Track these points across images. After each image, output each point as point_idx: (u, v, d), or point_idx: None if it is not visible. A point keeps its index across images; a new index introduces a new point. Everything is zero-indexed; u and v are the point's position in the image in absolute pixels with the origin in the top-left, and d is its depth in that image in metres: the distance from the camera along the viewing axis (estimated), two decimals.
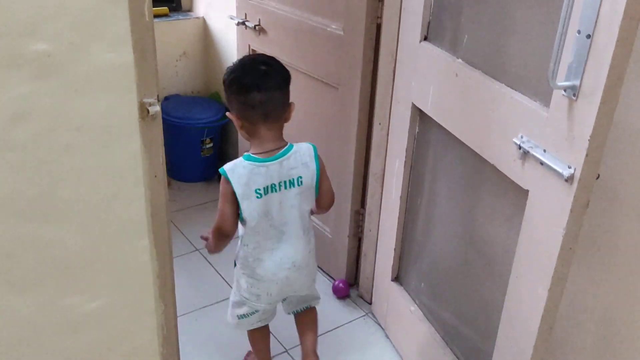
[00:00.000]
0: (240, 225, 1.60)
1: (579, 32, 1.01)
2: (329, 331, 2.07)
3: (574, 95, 1.04)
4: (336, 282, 2.24)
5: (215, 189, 1.62)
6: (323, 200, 1.64)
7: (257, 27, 2.28)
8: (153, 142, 1.16)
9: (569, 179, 1.07)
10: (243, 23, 2.34)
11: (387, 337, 2.04)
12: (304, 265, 1.63)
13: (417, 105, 1.65)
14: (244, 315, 1.71)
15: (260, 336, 1.80)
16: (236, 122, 1.54)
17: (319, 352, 1.80)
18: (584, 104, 1.02)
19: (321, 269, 2.37)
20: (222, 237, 1.59)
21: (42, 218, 1.07)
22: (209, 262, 2.38)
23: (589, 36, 0.98)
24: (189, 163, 2.90)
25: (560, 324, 1.36)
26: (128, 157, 1.11)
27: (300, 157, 1.56)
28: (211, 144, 2.86)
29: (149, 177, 1.16)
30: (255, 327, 1.75)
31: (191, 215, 2.69)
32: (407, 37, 1.67)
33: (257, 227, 1.56)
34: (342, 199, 2.15)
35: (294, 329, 1.85)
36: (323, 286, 2.28)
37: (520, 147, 1.19)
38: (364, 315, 2.15)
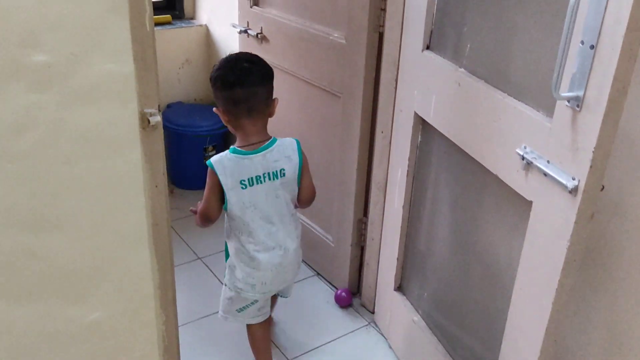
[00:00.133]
0: (226, 215, 1.68)
1: (582, 42, 1.00)
2: (331, 341, 2.06)
3: (578, 106, 1.03)
4: (338, 291, 2.23)
5: None
6: (303, 194, 1.72)
7: (259, 35, 2.28)
8: (154, 152, 1.15)
9: (573, 191, 1.06)
10: (245, 31, 2.34)
11: (390, 348, 2.03)
12: (293, 251, 1.71)
13: (419, 114, 1.64)
14: (242, 308, 1.76)
15: (261, 337, 1.83)
16: (222, 117, 1.63)
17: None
18: (587, 115, 1.01)
19: (323, 278, 2.36)
20: (206, 221, 1.69)
21: (42, 229, 1.07)
22: (211, 271, 2.38)
23: (592, 47, 0.98)
24: (192, 170, 2.90)
25: (564, 334, 1.35)
26: (129, 168, 1.10)
27: (284, 150, 1.64)
28: (214, 152, 2.86)
29: (150, 187, 1.16)
30: (255, 321, 1.79)
31: (193, 223, 2.66)
32: (409, 46, 1.66)
33: (246, 218, 1.63)
34: (344, 207, 2.14)
35: (297, 340, 1.90)
36: (325, 295, 2.27)
37: (523, 158, 1.18)
38: (366, 325, 2.14)
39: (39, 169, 1.02)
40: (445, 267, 1.68)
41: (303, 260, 2.43)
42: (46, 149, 1.01)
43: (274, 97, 1.66)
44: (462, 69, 1.43)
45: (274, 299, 1.93)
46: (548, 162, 1.13)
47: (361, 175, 2.05)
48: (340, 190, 2.14)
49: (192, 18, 3.02)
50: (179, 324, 1.37)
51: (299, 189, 1.70)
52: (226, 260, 1.78)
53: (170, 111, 2.87)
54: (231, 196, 1.60)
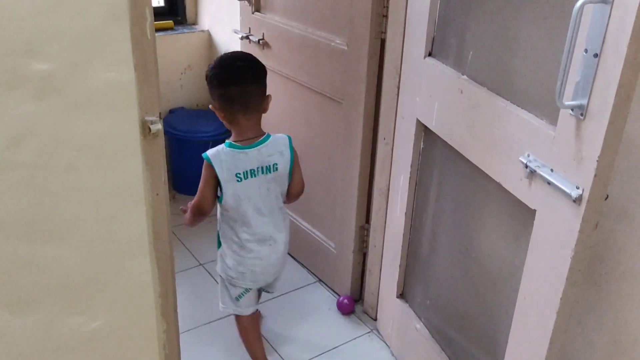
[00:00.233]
0: (220, 207, 1.74)
1: (585, 50, 0.99)
2: (334, 348, 2.05)
3: (582, 114, 1.02)
4: (341, 298, 2.22)
5: None
6: (294, 188, 1.79)
7: (261, 42, 2.28)
8: (155, 160, 1.15)
9: (577, 200, 1.05)
10: (247, 37, 2.34)
11: (393, 355, 2.01)
12: (282, 242, 1.79)
13: (421, 121, 1.64)
14: (239, 295, 1.82)
15: (252, 328, 1.90)
16: (218, 113, 1.70)
17: None
18: (591, 124, 1.00)
19: (325, 285, 2.35)
20: (199, 215, 1.74)
21: (43, 238, 1.06)
22: (213, 277, 2.37)
23: (596, 55, 0.97)
24: (194, 176, 2.87)
25: (569, 343, 1.34)
26: (129, 176, 1.10)
27: (277, 146, 1.72)
28: None
29: (151, 195, 1.15)
30: (247, 312, 1.85)
31: (195, 229, 2.65)
32: (411, 53, 1.66)
33: (240, 209, 1.70)
34: (346, 214, 2.13)
35: (299, 347, 1.92)
36: (327, 302, 2.26)
37: (526, 166, 1.17)
38: (369, 332, 2.13)
39: (39, 178, 1.01)
40: (448, 274, 1.67)
41: (305, 267, 2.45)
42: (46, 158, 1.01)
43: (267, 94, 1.72)
44: (465, 76, 1.42)
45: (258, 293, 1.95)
46: (552, 170, 1.12)
47: (363, 181, 2.04)
48: (343, 197, 2.13)
49: (194, 24, 3.03)
50: (180, 331, 1.36)
51: (290, 183, 1.77)
52: (218, 249, 1.83)
53: (172, 117, 2.87)
54: (227, 189, 1.67)
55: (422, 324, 1.81)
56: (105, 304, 1.16)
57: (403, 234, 1.83)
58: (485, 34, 1.37)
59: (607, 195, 1.07)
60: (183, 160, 2.84)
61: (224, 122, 1.71)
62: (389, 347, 2.04)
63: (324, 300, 2.27)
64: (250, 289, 1.82)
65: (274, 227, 1.76)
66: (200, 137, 2.77)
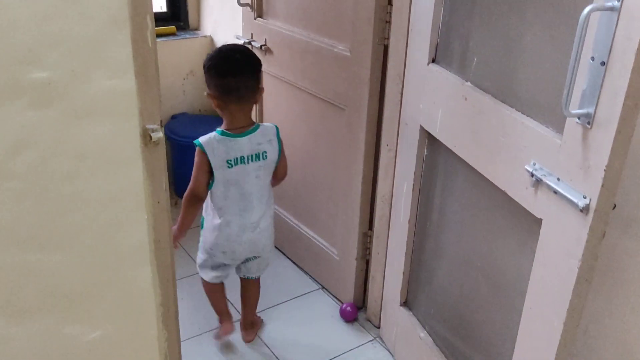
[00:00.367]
0: (209, 192, 1.83)
1: (592, 58, 0.98)
2: (337, 356, 2.03)
3: (589, 123, 1.00)
4: (344, 306, 2.20)
5: None
6: (279, 173, 1.91)
7: (263, 47, 2.27)
8: (156, 168, 1.14)
9: (584, 210, 1.03)
10: (249, 43, 2.33)
11: None
12: (265, 228, 1.88)
13: (425, 127, 1.62)
14: (216, 266, 1.94)
15: (218, 289, 2.03)
16: (213, 101, 1.78)
17: None
18: (599, 133, 0.99)
19: (328, 292, 2.34)
20: (196, 201, 1.81)
21: (42, 246, 1.05)
22: None
23: (603, 63, 0.95)
24: None
25: (575, 352, 1.32)
26: (130, 184, 1.09)
27: (266, 135, 1.81)
28: None
29: (152, 203, 1.15)
30: (217, 281, 1.98)
31: (197, 235, 2.64)
32: (414, 59, 1.65)
33: (227, 194, 1.80)
34: (349, 220, 2.12)
35: (301, 355, 1.99)
36: (330, 309, 2.24)
37: (532, 175, 1.15)
38: (372, 340, 2.11)
39: (39, 187, 1.01)
40: (452, 283, 1.66)
41: (307, 274, 2.43)
42: (46, 167, 1.00)
43: (261, 86, 1.83)
44: (469, 83, 1.41)
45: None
46: (558, 179, 1.10)
47: (366, 188, 2.03)
48: (345, 203, 2.12)
49: (197, 29, 3.02)
50: (181, 339, 1.35)
51: (276, 168, 1.88)
52: (202, 229, 1.93)
53: (174, 122, 2.86)
54: (218, 174, 1.76)
55: (426, 332, 1.79)
56: (105, 313, 1.15)
57: (406, 242, 1.81)
58: (490, 40, 1.36)
59: (615, 205, 1.05)
60: (185, 166, 2.82)
61: (217, 110, 1.79)
62: (392, 355, 2.03)
63: (326, 308, 2.26)
64: (228, 265, 1.94)
65: (260, 214, 1.85)
66: None
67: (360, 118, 1.93)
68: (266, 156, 1.81)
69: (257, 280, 2.05)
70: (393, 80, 1.79)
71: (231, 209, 1.81)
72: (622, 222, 1.17)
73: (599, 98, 0.98)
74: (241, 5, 2.34)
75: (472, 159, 1.41)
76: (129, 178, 1.08)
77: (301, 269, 2.46)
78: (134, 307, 1.18)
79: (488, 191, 1.39)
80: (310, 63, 2.07)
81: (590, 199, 1.02)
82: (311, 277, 2.41)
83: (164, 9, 2.98)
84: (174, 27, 2.91)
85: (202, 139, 1.75)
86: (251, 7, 2.32)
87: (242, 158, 1.77)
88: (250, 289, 2.05)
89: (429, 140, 1.66)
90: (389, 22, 1.77)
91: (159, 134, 1.10)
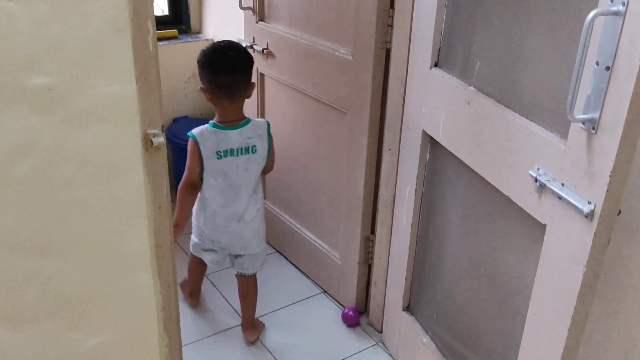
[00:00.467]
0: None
1: (597, 63, 0.97)
2: None
3: (593, 128, 0.99)
4: (346, 310, 2.19)
5: None
6: (268, 166, 1.98)
7: (265, 51, 2.27)
8: (157, 173, 1.13)
9: (589, 215, 1.02)
10: (251, 47, 2.32)
11: None
12: (250, 220, 1.93)
13: (427, 132, 1.62)
14: (207, 249, 2.01)
15: (199, 264, 2.12)
16: (205, 95, 1.87)
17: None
18: (604, 138, 0.98)
19: (330, 296, 2.33)
20: (192, 191, 1.89)
21: (43, 253, 1.05)
22: (217, 288, 2.34)
23: (608, 68, 0.95)
24: None
25: (579, 358, 1.31)
26: (131, 190, 1.09)
27: (256, 129, 1.89)
28: None
29: (153, 208, 1.14)
30: (211, 264, 2.07)
31: None
32: (417, 63, 1.64)
33: (216, 184, 1.87)
34: (351, 224, 2.11)
35: (300, 358, 2.02)
36: (332, 313, 2.23)
37: (536, 180, 1.14)
38: (374, 345, 2.10)
39: (39, 193, 1.00)
40: (455, 288, 1.64)
41: (309, 278, 2.42)
42: (47, 172, 0.99)
43: (252, 82, 1.90)
44: (472, 87, 1.40)
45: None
46: (562, 185, 1.09)
47: (368, 192, 2.02)
48: (347, 207, 2.11)
49: (199, 32, 3.02)
50: (182, 344, 1.34)
51: (266, 162, 1.95)
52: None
53: (176, 126, 2.86)
54: (207, 164, 1.84)
55: (428, 337, 1.78)
56: (106, 319, 1.15)
57: (409, 246, 1.80)
58: (493, 44, 1.35)
59: (620, 211, 1.04)
60: None
61: (210, 102, 1.89)
62: None
63: (328, 312, 2.25)
64: (215, 250, 1.99)
65: (247, 206, 1.91)
66: None
67: (362, 122, 1.92)
68: (255, 150, 1.88)
69: (253, 277, 2.06)
70: (395, 84, 1.78)
71: (218, 200, 1.89)
72: (627, 228, 1.16)
73: (603, 103, 0.97)
74: (243, 8, 2.33)
75: (475, 163, 1.40)
76: (130, 183, 1.08)
77: (303, 273, 2.45)
78: (135, 312, 1.18)
79: (491, 196, 1.38)
80: (312, 67, 2.07)
81: (595, 205, 1.01)
82: (313, 281, 2.40)
83: (166, 12, 2.97)
84: (175, 30, 2.91)
85: (194, 130, 1.86)
86: (253, 10, 2.31)
87: (231, 150, 1.85)
88: (246, 286, 2.07)
89: (432, 145, 1.65)
90: (391, 25, 1.76)
91: (160, 139, 1.09)
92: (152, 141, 1.08)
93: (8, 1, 0.87)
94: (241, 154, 1.86)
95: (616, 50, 0.93)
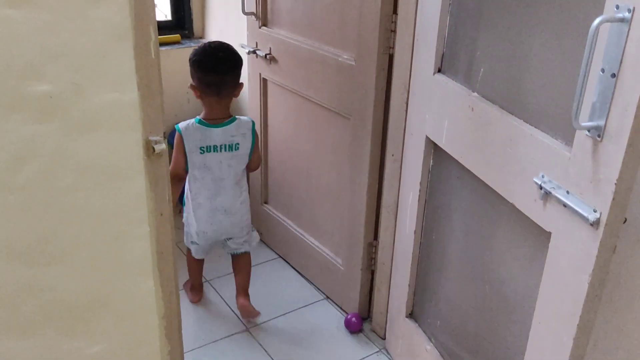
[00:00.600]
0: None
1: (602, 70, 0.96)
2: None
3: (599, 136, 0.98)
4: (349, 316, 2.18)
5: None
6: (252, 164, 2.08)
7: (267, 56, 2.26)
8: (159, 180, 1.13)
9: (595, 224, 1.01)
10: (254, 52, 2.32)
11: None
12: (234, 213, 2.05)
13: (431, 138, 1.61)
14: (192, 242, 2.11)
15: (195, 265, 2.24)
16: (195, 92, 1.97)
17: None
18: (609, 146, 0.97)
19: (333, 302, 2.31)
20: (177, 181, 1.98)
21: (44, 261, 1.04)
22: (219, 293, 2.34)
23: (614, 75, 0.94)
24: None
25: None
26: (133, 197, 1.08)
27: (240, 128, 1.99)
28: None
29: (155, 215, 1.13)
30: (196, 257, 2.17)
31: None
32: (420, 69, 1.63)
33: (199, 178, 1.98)
34: (354, 230, 2.10)
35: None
36: (335, 320, 2.22)
37: (541, 187, 1.13)
38: (377, 352, 2.08)
39: (40, 200, 1.00)
40: (459, 295, 1.63)
41: (312, 284, 2.41)
42: (48, 180, 0.99)
43: (240, 82, 1.99)
44: (475, 94, 1.39)
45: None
46: (567, 192, 1.08)
47: (371, 198, 2.01)
48: (350, 213, 2.10)
49: (201, 37, 3.02)
50: (184, 351, 1.34)
51: (250, 160, 2.04)
52: (183, 206, 2.14)
53: None
54: (191, 158, 1.96)
55: (432, 345, 1.77)
56: (107, 327, 1.14)
57: (412, 252, 1.79)
58: (497, 50, 1.34)
59: (626, 219, 1.03)
60: None
61: (199, 99, 1.98)
62: None
63: (331, 318, 2.24)
64: (197, 243, 2.09)
65: (230, 199, 2.02)
66: None
67: (365, 128, 1.92)
68: (238, 147, 1.98)
69: (246, 255, 2.19)
70: (398, 90, 1.77)
71: (203, 193, 2.00)
72: (633, 236, 1.15)
73: (609, 110, 0.96)
74: (246, 14, 2.33)
75: (479, 170, 1.39)
76: (131, 190, 1.07)
77: (306, 278, 2.44)
78: (136, 320, 1.17)
79: (495, 203, 1.37)
80: (315, 72, 2.06)
81: (600, 213, 1.00)
82: (316, 287, 2.39)
83: (169, 17, 2.97)
84: (178, 35, 2.91)
85: (181, 124, 1.97)
86: (256, 15, 2.31)
87: (214, 147, 1.96)
88: (238, 261, 2.20)
89: (435, 151, 1.64)
90: (394, 31, 1.76)
91: (162, 146, 1.09)
92: (153, 148, 1.07)
93: (9, 8, 0.86)
94: (225, 150, 1.97)
95: (622, 57, 0.92)
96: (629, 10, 0.90)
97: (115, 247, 1.10)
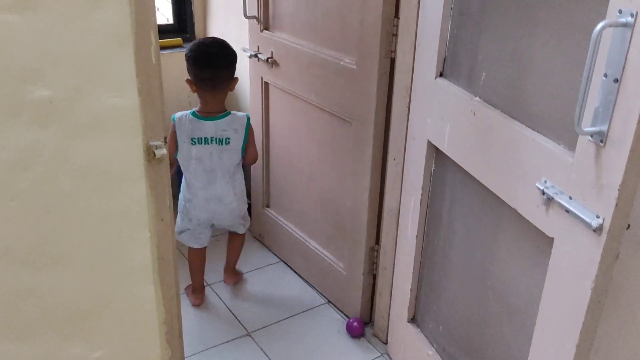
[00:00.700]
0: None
1: (605, 75, 0.95)
2: None
3: (602, 141, 0.98)
4: (350, 320, 2.17)
5: None
6: (248, 158, 2.14)
7: (269, 60, 2.26)
8: (160, 185, 1.13)
9: (598, 230, 1.00)
10: (256, 55, 2.32)
11: None
12: (228, 203, 2.13)
13: (433, 142, 1.60)
14: (180, 232, 2.18)
15: (196, 258, 2.25)
16: (191, 87, 2.06)
17: None
18: (612, 151, 0.96)
19: (334, 306, 2.31)
20: None
21: (44, 266, 1.04)
22: (220, 297, 2.33)
23: (616, 80, 0.93)
24: None
25: None
26: (133, 202, 1.08)
27: (233, 124, 2.06)
28: None
29: (155, 221, 1.13)
30: (192, 245, 2.21)
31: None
32: (422, 73, 1.62)
33: (191, 168, 2.07)
34: (356, 234, 2.09)
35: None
36: (337, 324, 2.21)
37: (544, 193, 1.13)
38: (379, 356, 2.07)
39: (40, 205, 0.99)
40: (461, 300, 1.62)
41: (314, 288, 2.41)
42: (48, 185, 0.99)
43: (235, 76, 2.07)
44: (478, 98, 1.39)
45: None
46: (570, 198, 1.07)
47: (373, 202, 2.00)
48: (352, 217, 2.09)
49: None
50: (185, 356, 1.33)
51: (245, 155, 2.11)
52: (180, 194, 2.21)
53: None
54: (181, 147, 2.05)
55: (434, 350, 1.76)
56: (107, 333, 1.14)
57: (414, 257, 1.78)
58: (499, 54, 1.33)
59: (629, 225, 1.02)
60: None
61: (195, 93, 2.07)
62: None
63: (333, 323, 2.23)
64: (189, 229, 2.16)
65: (222, 189, 2.09)
66: None
67: (367, 131, 1.91)
68: (229, 142, 2.05)
69: (242, 235, 2.31)
70: (400, 94, 1.77)
71: (197, 182, 2.08)
72: (636, 242, 1.14)
73: (612, 116, 0.95)
74: (248, 17, 2.33)
75: (481, 175, 1.39)
76: (132, 196, 1.07)
77: (308, 282, 2.44)
78: (137, 325, 1.17)
79: (498, 208, 1.36)
80: (317, 76, 2.06)
81: (603, 219, 1.00)
82: (318, 291, 2.39)
83: (171, 21, 2.98)
84: (180, 39, 2.90)
85: (177, 114, 2.06)
86: (258, 19, 2.31)
87: (205, 139, 2.03)
88: (233, 238, 2.34)
89: (437, 155, 1.63)
90: (395, 35, 1.75)
91: (163, 151, 1.08)
92: (154, 153, 1.07)
93: (9, 13, 0.86)
94: (216, 143, 2.04)
95: (625, 62, 0.91)
96: (631, 15, 0.89)
97: (115, 252, 1.09)
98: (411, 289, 1.83)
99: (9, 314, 1.04)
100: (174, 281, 1.24)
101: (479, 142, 1.37)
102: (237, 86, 2.81)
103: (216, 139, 2.04)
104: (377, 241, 2.06)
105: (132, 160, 1.05)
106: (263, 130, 2.45)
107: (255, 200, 2.65)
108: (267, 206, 2.61)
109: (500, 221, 1.39)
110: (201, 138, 2.03)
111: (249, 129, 2.08)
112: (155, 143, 1.08)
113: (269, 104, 2.41)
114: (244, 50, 2.39)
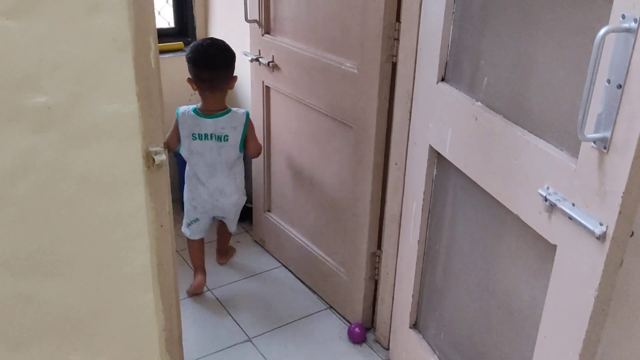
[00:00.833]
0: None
1: (608, 81, 0.94)
2: None
3: (605, 147, 0.97)
4: (352, 326, 2.16)
5: None
6: (250, 152, 2.25)
7: (270, 64, 2.26)
8: (159, 191, 1.12)
9: (601, 237, 0.99)
10: (257, 59, 2.32)
11: None
12: (229, 194, 2.24)
13: (434, 147, 1.59)
14: (190, 223, 2.29)
15: (197, 247, 2.36)
16: (192, 86, 2.15)
17: None
18: (615, 158, 0.95)
19: (336, 312, 2.29)
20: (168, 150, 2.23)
21: (43, 273, 1.03)
22: (221, 302, 2.32)
23: (619, 86, 0.92)
24: None
25: None
26: (133, 208, 1.07)
27: (232, 122, 2.15)
28: None
29: (155, 227, 1.12)
30: (194, 237, 2.32)
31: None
32: (423, 77, 1.62)
33: (191, 161, 2.19)
34: (357, 239, 2.08)
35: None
36: (338, 330, 2.20)
37: (546, 199, 1.11)
38: None
39: (38, 213, 0.99)
40: (463, 307, 1.61)
41: (315, 293, 2.40)
42: (46, 192, 0.98)
43: (234, 75, 2.16)
44: (479, 103, 1.38)
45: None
46: (573, 205, 1.06)
47: (375, 207, 1.99)
48: (354, 222, 2.08)
49: None
50: None
51: (246, 149, 2.22)
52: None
53: None
54: (183, 142, 2.16)
55: (436, 356, 1.74)
56: (106, 340, 1.13)
57: (416, 263, 1.77)
58: (501, 59, 1.32)
59: (633, 232, 1.01)
60: None
61: (196, 92, 2.16)
62: None
63: (334, 328, 2.22)
64: (198, 219, 2.27)
65: (223, 182, 2.20)
66: None
67: (368, 136, 1.90)
68: (227, 139, 2.15)
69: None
70: (401, 99, 1.76)
71: (199, 176, 2.18)
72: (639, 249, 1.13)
73: (615, 122, 0.94)
74: (249, 21, 2.33)
75: (483, 180, 1.38)
76: (131, 202, 1.06)
77: (309, 288, 2.43)
78: (136, 333, 1.16)
79: (500, 214, 1.35)
80: (318, 80, 2.05)
81: (607, 226, 0.98)
82: (319, 296, 2.38)
83: (172, 25, 2.97)
84: (181, 43, 2.90)
85: (181, 108, 2.16)
86: (259, 23, 2.30)
87: (205, 135, 2.13)
88: (222, 230, 2.45)
89: (439, 160, 1.62)
90: (397, 39, 1.75)
91: (162, 157, 1.08)
92: (153, 159, 1.07)
93: (7, 19, 0.86)
94: (215, 139, 2.14)
95: (628, 68, 0.90)
96: (635, 20, 0.88)
97: (114, 259, 1.09)
98: (413, 295, 1.82)
99: (6, 322, 1.03)
100: (173, 288, 1.23)
101: (481, 148, 1.36)
102: (237, 87, 2.82)
103: (215, 135, 2.13)
104: (379, 246, 2.05)
105: (131, 166, 1.04)
106: (264, 134, 2.45)
107: (257, 204, 2.64)
108: (269, 211, 2.60)
109: (503, 227, 1.38)
110: (201, 134, 2.13)
111: (247, 125, 2.16)
112: (155, 149, 1.07)
113: (270, 108, 2.41)
114: (245, 54, 2.39)
